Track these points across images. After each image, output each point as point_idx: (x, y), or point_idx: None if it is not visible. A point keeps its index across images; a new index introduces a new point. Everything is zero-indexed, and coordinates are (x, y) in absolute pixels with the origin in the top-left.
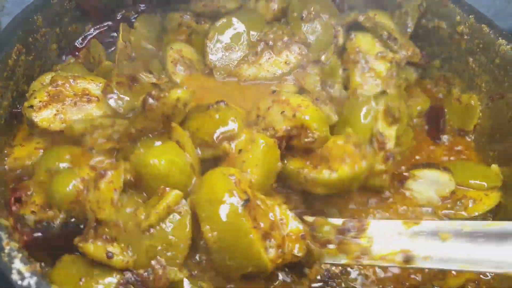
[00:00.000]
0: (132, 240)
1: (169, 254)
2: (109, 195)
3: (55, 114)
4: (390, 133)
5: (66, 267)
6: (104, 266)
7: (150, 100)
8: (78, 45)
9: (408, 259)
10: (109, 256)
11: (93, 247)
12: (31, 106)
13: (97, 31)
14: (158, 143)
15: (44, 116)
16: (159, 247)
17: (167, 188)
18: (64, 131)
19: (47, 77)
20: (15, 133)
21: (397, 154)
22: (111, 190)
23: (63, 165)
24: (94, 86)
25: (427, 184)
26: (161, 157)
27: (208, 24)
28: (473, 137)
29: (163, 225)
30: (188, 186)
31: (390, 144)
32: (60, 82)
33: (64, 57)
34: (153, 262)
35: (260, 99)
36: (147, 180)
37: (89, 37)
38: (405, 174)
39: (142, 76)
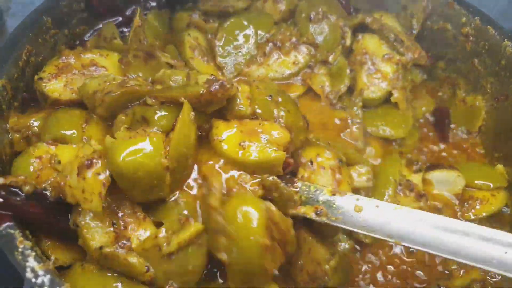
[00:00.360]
0: (152, 260)
1: (184, 279)
2: (98, 188)
3: (65, 85)
4: (416, 178)
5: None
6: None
7: (216, 87)
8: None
9: (319, 214)
10: (148, 269)
11: (137, 260)
12: (41, 78)
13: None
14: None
15: (54, 87)
16: (176, 273)
17: (190, 219)
18: (78, 91)
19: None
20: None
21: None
22: (100, 184)
23: (69, 132)
24: (101, 57)
25: (439, 186)
26: (127, 157)
27: (217, 23)
28: (478, 138)
29: (182, 254)
30: (157, 190)
31: (418, 186)
32: (67, 56)
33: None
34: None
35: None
36: (115, 176)
37: (98, 31)
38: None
39: (158, 53)
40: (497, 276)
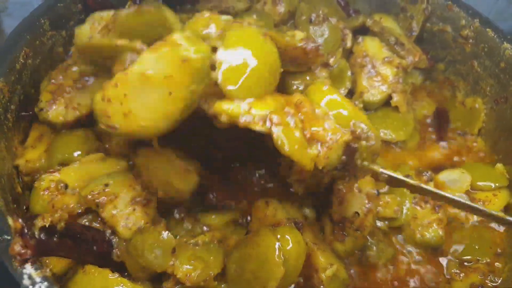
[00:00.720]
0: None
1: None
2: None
3: (65, 106)
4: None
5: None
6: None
7: (312, 46)
8: None
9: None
10: (173, 251)
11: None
12: (41, 109)
13: None
14: None
15: (56, 112)
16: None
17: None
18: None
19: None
20: (28, 133)
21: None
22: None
23: (76, 153)
24: (86, 66)
25: (449, 186)
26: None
27: None
28: (477, 140)
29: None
30: None
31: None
32: (56, 77)
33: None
34: None
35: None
36: None
37: None
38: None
39: None
40: (496, 280)
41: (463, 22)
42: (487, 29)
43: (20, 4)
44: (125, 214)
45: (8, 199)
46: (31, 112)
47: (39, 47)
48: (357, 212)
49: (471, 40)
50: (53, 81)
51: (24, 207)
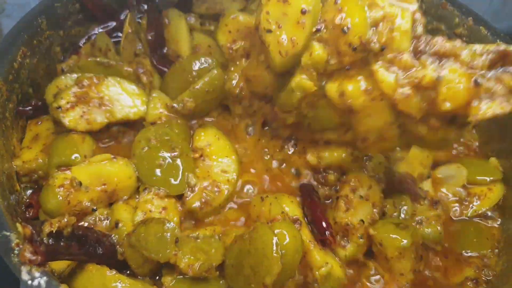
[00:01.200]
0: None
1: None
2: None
3: (81, 116)
4: (426, 185)
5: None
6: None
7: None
8: (81, 46)
9: None
10: (177, 241)
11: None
12: (59, 107)
13: (102, 31)
14: None
15: (72, 117)
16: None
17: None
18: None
19: (66, 78)
20: (25, 132)
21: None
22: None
23: (74, 156)
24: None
25: (446, 181)
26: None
27: (212, 26)
28: (472, 135)
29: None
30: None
31: (430, 193)
32: (85, 83)
33: (64, 57)
34: None
35: None
36: None
37: (93, 37)
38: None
39: None
40: (490, 274)
41: (456, 20)
42: (480, 27)
43: (18, 5)
44: (150, 209)
45: (8, 197)
46: (29, 108)
47: (37, 47)
48: (362, 220)
49: (464, 38)
50: (85, 83)
51: (23, 206)
